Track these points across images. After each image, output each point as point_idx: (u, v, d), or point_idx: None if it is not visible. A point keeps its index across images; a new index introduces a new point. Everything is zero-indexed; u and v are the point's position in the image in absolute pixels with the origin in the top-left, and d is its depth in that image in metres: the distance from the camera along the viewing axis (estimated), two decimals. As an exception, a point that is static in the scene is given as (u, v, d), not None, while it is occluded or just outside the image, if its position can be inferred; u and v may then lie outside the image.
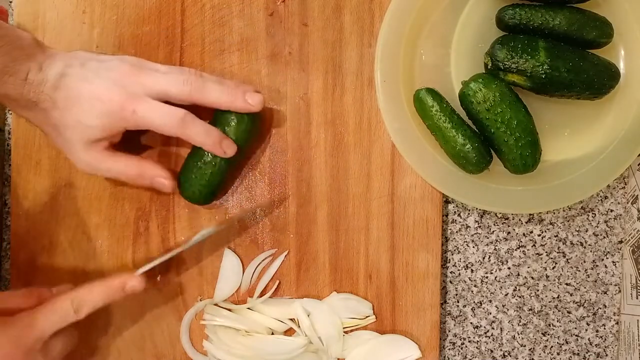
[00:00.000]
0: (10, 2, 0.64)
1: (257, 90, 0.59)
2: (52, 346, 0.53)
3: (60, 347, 0.54)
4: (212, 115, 0.59)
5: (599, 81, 0.58)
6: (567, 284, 0.66)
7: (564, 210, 0.66)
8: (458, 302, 0.66)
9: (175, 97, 0.55)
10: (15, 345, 0.50)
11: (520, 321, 0.66)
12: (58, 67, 0.53)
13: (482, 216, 0.66)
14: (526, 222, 0.66)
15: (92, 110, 0.53)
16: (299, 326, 0.62)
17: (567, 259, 0.66)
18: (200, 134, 0.56)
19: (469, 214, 0.66)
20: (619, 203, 0.66)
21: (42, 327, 0.51)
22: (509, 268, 0.66)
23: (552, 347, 0.66)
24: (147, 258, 0.63)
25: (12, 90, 0.52)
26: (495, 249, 0.66)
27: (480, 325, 0.66)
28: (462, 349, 0.66)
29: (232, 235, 0.63)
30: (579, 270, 0.66)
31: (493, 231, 0.66)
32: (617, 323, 0.66)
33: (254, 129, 0.60)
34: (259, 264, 0.63)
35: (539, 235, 0.66)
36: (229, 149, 0.57)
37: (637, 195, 0.64)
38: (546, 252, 0.66)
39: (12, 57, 0.52)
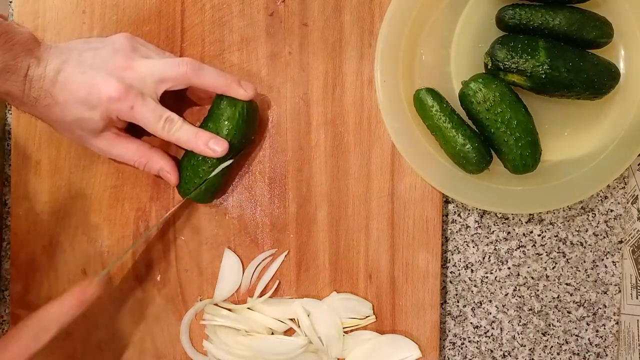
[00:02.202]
0: (10, 2, 0.64)
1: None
2: None
3: None
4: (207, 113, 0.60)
5: (599, 81, 0.58)
6: (567, 284, 0.66)
7: (564, 210, 0.66)
8: (458, 302, 0.66)
9: (173, 80, 0.56)
10: None
11: (520, 321, 0.66)
12: (55, 63, 0.54)
13: (482, 216, 0.66)
14: (526, 222, 0.66)
15: (88, 102, 0.54)
16: (299, 326, 0.62)
17: (567, 259, 0.66)
18: (189, 136, 0.57)
19: (469, 214, 0.66)
20: (619, 203, 0.66)
21: None
22: (509, 268, 0.66)
23: (552, 347, 0.66)
24: (146, 259, 0.63)
25: (15, 88, 0.53)
26: (495, 249, 0.66)
27: (480, 325, 0.66)
28: (462, 349, 0.66)
29: (232, 235, 0.63)
30: (579, 270, 0.66)
31: (493, 231, 0.66)
32: (617, 323, 0.66)
33: (250, 125, 0.60)
34: (259, 264, 0.63)
35: (539, 235, 0.66)
36: (219, 147, 0.57)
37: (637, 195, 0.64)
38: (546, 252, 0.66)
39: (14, 54, 0.52)
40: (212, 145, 0.57)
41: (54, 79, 0.53)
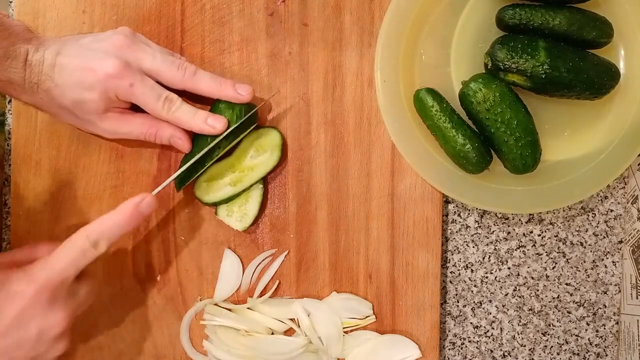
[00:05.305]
0: (10, 2, 0.64)
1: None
2: (77, 290, 0.51)
3: (84, 293, 0.52)
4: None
5: (599, 81, 0.58)
6: (567, 284, 0.66)
7: (564, 210, 0.66)
8: (458, 302, 0.66)
9: (168, 79, 0.56)
10: (39, 290, 0.48)
11: (520, 321, 0.66)
12: (55, 47, 0.54)
13: (482, 216, 0.66)
14: (526, 222, 0.66)
15: (86, 81, 0.54)
16: (299, 326, 0.62)
17: (567, 259, 0.66)
18: (188, 116, 0.57)
19: (469, 214, 0.66)
20: (619, 203, 0.66)
21: (63, 267, 0.49)
22: (509, 268, 0.66)
23: (552, 347, 0.66)
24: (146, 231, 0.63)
25: (16, 75, 0.53)
26: (495, 249, 0.66)
27: (480, 325, 0.66)
28: (462, 349, 0.66)
29: (232, 235, 0.63)
30: (579, 270, 0.66)
31: (493, 231, 0.66)
32: (617, 323, 0.66)
33: (248, 128, 0.60)
34: (259, 264, 0.63)
35: (539, 235, 0.66)
36: (218, 123, 0.57)
37: (637, 195, 0.64)
38: (546, 252, 0.66)
39: (11, 41, 0.53)
40: (211, 121, 0.57)
41: (53, 61, 0.54)
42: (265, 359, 0.61)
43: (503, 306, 0.66)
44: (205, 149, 0.58)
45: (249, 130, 0.60)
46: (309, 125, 0.63)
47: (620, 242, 0.66)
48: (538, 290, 0.66)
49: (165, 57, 0.57)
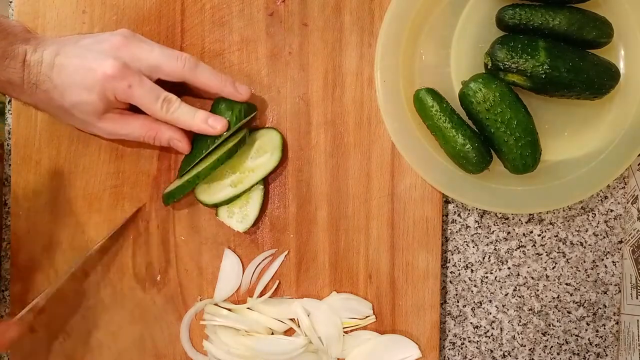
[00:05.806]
0: (10, 2, 0.64)
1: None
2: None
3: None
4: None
5: (599, 81, 0.58)
6: (567, 284, 0.66)
7: (564, 210, 0.66)
8: (458, 302, 0.66)
9: (168, 72, 0.56)
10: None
11: (520, 321, 0.66)
12: (53, 47, 0.54)
13: (482, 216, 0.66)
14: (526, 222, 0.66)
15: (85, 82, 0.54)
16: (299, 326, 0.62)
17: (567, 259, 0.66)
18: (187, 116, 0.57)
19: (469, 214, 0.66)
20: (619, 203, 0.66)
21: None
22: (509, 268, 0.66)
23: (552, 347, 0.66)
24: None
25: (15, 75, 0.53)
26: (495, 249, 0.66)
27: (480, 325, 0.66)
28: (462, 349, 0.66)
29: (232, 235, 0.63)
30: (579, 270, 0.66)
31: (493, 231, 0.66)
32: (617, 323, 0.66)
33: (248, 125, 0.60)
34: (259, 264, 0.63)
35: (539, 235, 0.66)
36: (217, 124, 0.57)
37: (637, 195, 0.64)
38: (546, 252, 0.66)
39: (9, 42, 0.53)
40: (211, 122, 0.57)
41: (52, 62, 0.54)
42: (265, 359, 0.61)
43: (503, 306, 0.66)
44: (207, 152, 0.58)
45: (242, 135, 0.60)
46: (309, 125, 0.63)
47: (620, 242, 0.66)
48: (538, 290, 0.66)
49: (163, 50, 0.56)
